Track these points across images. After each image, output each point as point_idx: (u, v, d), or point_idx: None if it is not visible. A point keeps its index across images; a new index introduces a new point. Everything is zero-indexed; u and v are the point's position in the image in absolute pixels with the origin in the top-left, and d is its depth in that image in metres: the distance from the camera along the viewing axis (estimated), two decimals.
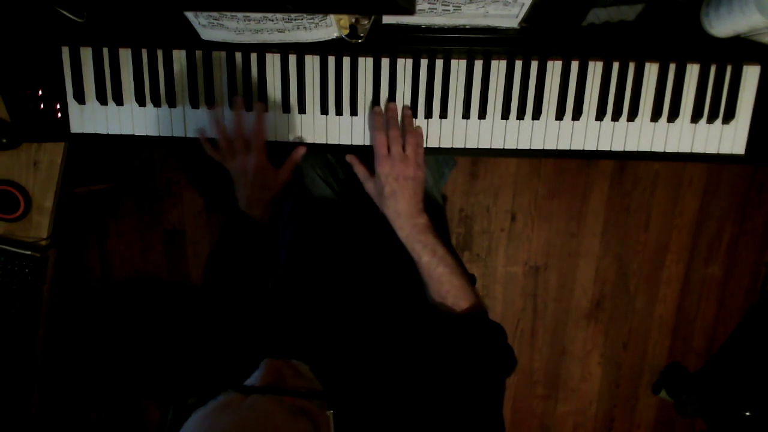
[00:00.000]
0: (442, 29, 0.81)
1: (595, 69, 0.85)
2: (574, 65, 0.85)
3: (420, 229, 0.80)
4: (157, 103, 0.89)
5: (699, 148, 0.89)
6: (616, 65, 0.85)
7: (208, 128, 0.89)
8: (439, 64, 0.86)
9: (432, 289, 0.79)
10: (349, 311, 0.79)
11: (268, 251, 0.89)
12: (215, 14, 0.74)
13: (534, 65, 0.85)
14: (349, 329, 0.72)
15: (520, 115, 0.87)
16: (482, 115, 0.87)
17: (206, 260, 0.90)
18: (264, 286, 0.89)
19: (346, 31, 0.77)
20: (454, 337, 0.75)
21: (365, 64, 0.86)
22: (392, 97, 0.87)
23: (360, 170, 0.86)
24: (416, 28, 0.81)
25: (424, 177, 0.85)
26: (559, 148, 0.89)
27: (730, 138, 0.88)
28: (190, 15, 0.76)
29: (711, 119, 0.87)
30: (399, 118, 0.88)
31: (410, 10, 0.62)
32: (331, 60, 0.86)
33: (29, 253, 1.07)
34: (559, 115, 0.87)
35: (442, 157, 1.27)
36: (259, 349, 0.65)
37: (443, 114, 0.88)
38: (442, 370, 0.66)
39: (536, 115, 0.87)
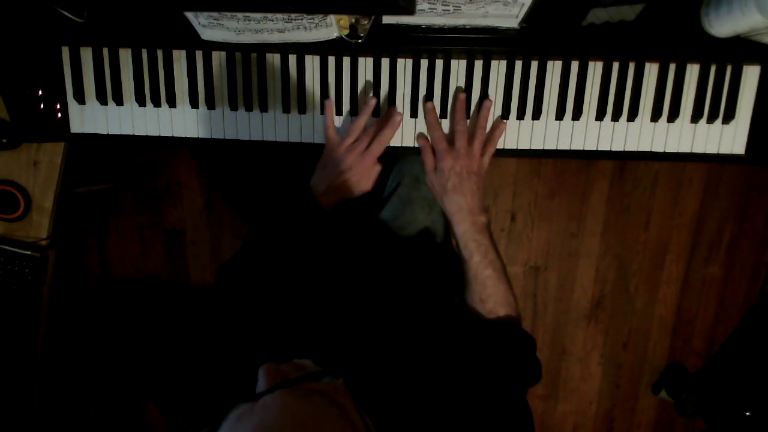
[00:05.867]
0: (442, 29, 0.81)
1: (595, 69, 0.85)
2: (574, 65, 0.85)
3: (478, 227, 0.80)
4: (157, 103, 0.89)
5: (699, 148, 0.89)
6: (616, 65, 0.85)
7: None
8: (439, 64, 0.86)
9: (474, 290, 0.79)
10: (365, 314, 0.77)
11: (318, 242, 0.86)
12: (215, 14, 0.74)
13: (534, 65, 0.85)
14: (367, 334, 0.70)
15: (520, 115, 0.87)
16: None
17: (250, 226, 0.85)
18: (301, 274, 0.86)
19: (346, 31, 0.77)
20: (486, 341, 0.74)
21: (365, 64, 0.86)
22: (392, 97, 0.87)
23: (428, 159, 0.85)
24: (416, 28, 0.81)
25: (485, 173, 0.84)
26: (559, 148, 0.89)
27: (730, 138, 0.88)
28: (190, 15, 0.76)
29: (711, 119, 0.87)
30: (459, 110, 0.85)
31: (410, 10, 0.62)
32: (331, 60, 0.86)
33: (29, 253, 1.07)
34: (559, 115, 0.87)
35: None
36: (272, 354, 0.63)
37: (443, 114, 0.88)
38: (469, 372, 0.66)
39: (536, 115, 0.87)
